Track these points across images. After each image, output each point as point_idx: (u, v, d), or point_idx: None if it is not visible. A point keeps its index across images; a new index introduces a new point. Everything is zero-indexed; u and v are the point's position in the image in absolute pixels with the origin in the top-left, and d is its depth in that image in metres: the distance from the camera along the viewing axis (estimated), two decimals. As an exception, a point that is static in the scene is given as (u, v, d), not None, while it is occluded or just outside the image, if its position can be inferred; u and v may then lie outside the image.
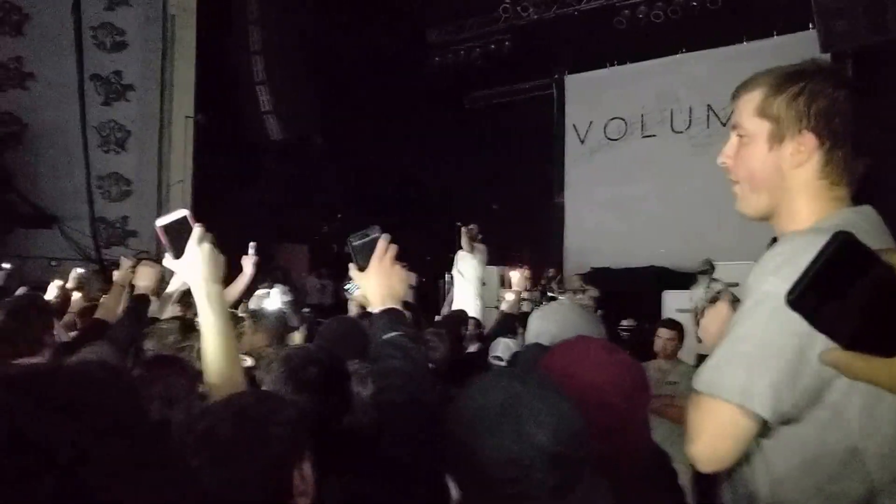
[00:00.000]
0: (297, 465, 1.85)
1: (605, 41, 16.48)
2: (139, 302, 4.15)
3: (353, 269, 2.28)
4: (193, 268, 2.25)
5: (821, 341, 1.57)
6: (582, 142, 17.33)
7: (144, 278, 4.23)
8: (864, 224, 1.76)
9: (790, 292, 0.96)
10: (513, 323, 5.95)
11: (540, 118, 17.86)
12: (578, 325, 2.70)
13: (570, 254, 16.85)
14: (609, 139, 16.87)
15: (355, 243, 2.27)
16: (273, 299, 6.11)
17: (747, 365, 1.64)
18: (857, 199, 1.86)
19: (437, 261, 15.36)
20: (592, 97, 17.11)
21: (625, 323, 12.30)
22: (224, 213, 14.86)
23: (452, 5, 17.62)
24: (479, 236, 11.07)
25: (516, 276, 6.71)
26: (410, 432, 2.06)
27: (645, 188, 15.69)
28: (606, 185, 16.41)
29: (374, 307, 2.24)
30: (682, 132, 15.75)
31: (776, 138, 1.80)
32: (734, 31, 14.89)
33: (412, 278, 13.55)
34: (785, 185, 1.82)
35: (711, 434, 1.70)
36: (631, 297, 13.22)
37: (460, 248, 11.05)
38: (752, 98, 1.84)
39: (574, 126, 17.46)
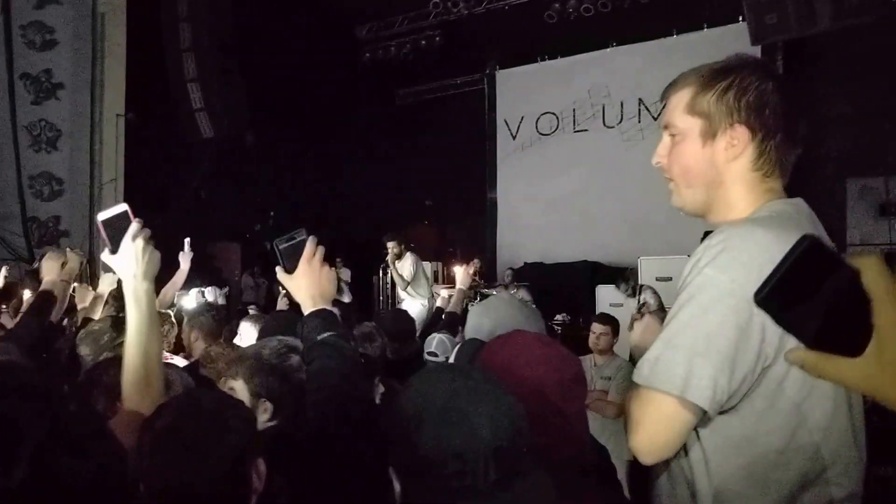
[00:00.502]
0: (253, 460, 1.89)
1: (536, 36, 16.48)
2: (43, 299, 4.04)
3: (280, 272, 2.29)
4: (126, 264, 2.24)
5: (756, 332, 1.60)
6: (513, 137, 17.33)
7: (49, 272, 4.13)
8: (797, 215, 1.81)
9: (758, 292, 0.98)
10: (451, 319, 5.92)
11: (471, 113, 17.85)
12: (516, 320, 2.72)
13: (503, 249, 16.87)
14: (541, 134, 16.88)
15: (282, 246, 2.29)
16: (190, 298, 6.06)
17: (686, 356, 1.65)
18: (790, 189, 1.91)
19: (371, 257, 15.30)
20: (523, 92, 17.11)
21: (558, 318, 12.33)
22: (156, 212, 14.70)
23: (383, 1, 17.54)
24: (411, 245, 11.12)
25: (461, 272, 6.67)
26: (349, 430, 2.09)
27: (577, 183, 15.72)
28: (539, 180, 16.42)
29: (305, 308, 2.26)
30: (613, 127, 15.82)
31: (708, 134, 1.84)
32: (665, 25, 14.99)
33: (346, 274, 13.46)
34: (719, 180, 1.85)
35: (652, 425, 1.70)
36: (564, 291, 13.26)
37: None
38: (682, 97, 1.89)
39: (505, 121, 17.46)
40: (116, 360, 2.65)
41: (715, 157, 1.84)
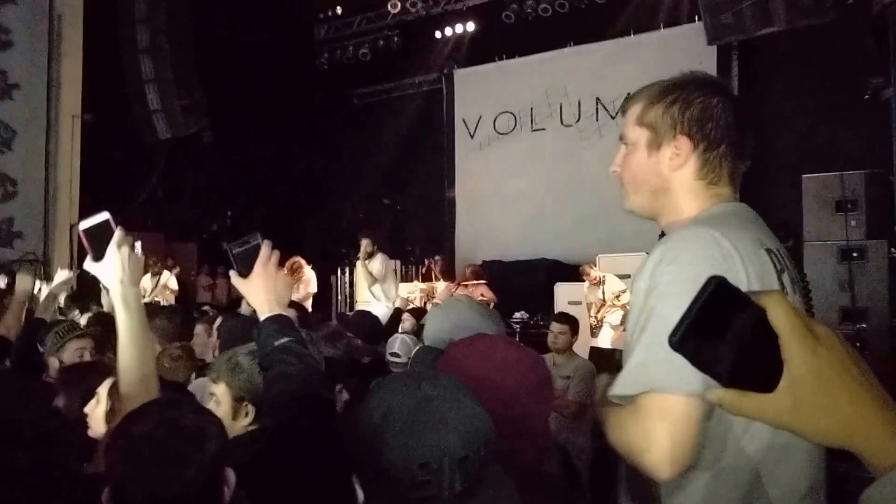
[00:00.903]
0: (223, 469, 1.88)
1: (494, 35, 16.54)
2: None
3: (234, 277, 2.28)
4: (113, 270, 2.27)
5: None
6: (472, 136, 17.34)
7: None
8: (736, 219, 1.88)
9: (672, 334, 1.00)
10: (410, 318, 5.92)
11: (430, 113, 17.92)
12: (477, 322, 2.69)
13: (462, 247, 16.87)
14: (499, 133, 16.91)
15: (236, 251, 2.27)
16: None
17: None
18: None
19: (331, 257, 15.27)
20: (481, 91, 17.13)
21: (517, 316, 12.37)
22: (113, 213, 14.56)
23: (341, 1, 17.53)
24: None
25: (442, 288, 6.72)
26: (310, 437, 2.07)
27: (536, 181, 15.78)
28: (497, 179, 16.45)
29: (261, 313, 2.26)
30: (571, 125, 15.87)
31: (654, 144, 1.96)
32: (622, 25, 15.07)
33: (313, 283, 13.37)
34: (666, 187, 1.96)
35: (669, 434, 1.62)
36: (523, 289, 13.30)
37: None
38: (635, 110, 2.01)
39: (464, 120, 17.46)
40: (95, 366, 2.67)
41: (660, 166, 1.95)
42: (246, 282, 2.26)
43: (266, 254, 2.26)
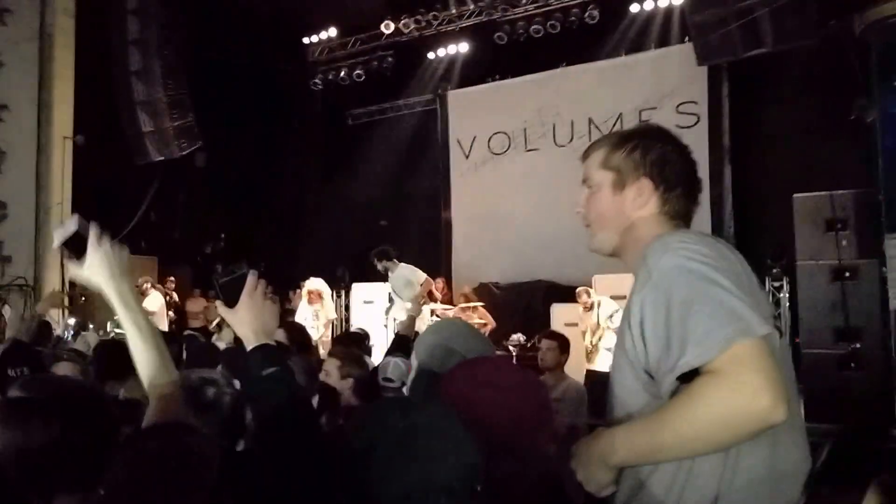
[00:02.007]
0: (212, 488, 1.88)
1: (487, 56, 16.62)
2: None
3: (221, 307, 2.27)
4: (100, 269, 2.25)
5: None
6: (466, 156, 17.35)
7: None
8: (708, 239, 1.93)
9: None
10: (402, 341, 5.89)
11: (424, 133, 17.91)
12: (470, 344, 2.68)
13: (459, 269, 16.84)
14: (493, 153, 16.92)
15: (222, 281, 2.27)
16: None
17: (721, 310, 1.72)
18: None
19: (326, 279, 15.26)
20: (475, 112, 17.14)
21: (514, 338, 12.35)
22: (105, 236, 14.57)
23: (335, 22, 17.58)
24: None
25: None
26: (296, 467, 2.05)
27: (530, 202, 15.76)
28: (492, 200, 16.45)
29: (248, 343, 2.23)
30: (564, 145, 15.87)
31: (619, 185, 2.14)
32: (613, 46, 15.16)
33: (331, 314, 13.38)
34: (630, 225, 2.13)
35: (768, 374, 1.63)
36: (519, 311, 13.28)
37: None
38: (598, 155, 2.21)
39: (458, 141, 17.46)
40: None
41: (624, 205, 2.13)
42: (232, 312, 2.25)
43: (252, 283, 2.25)
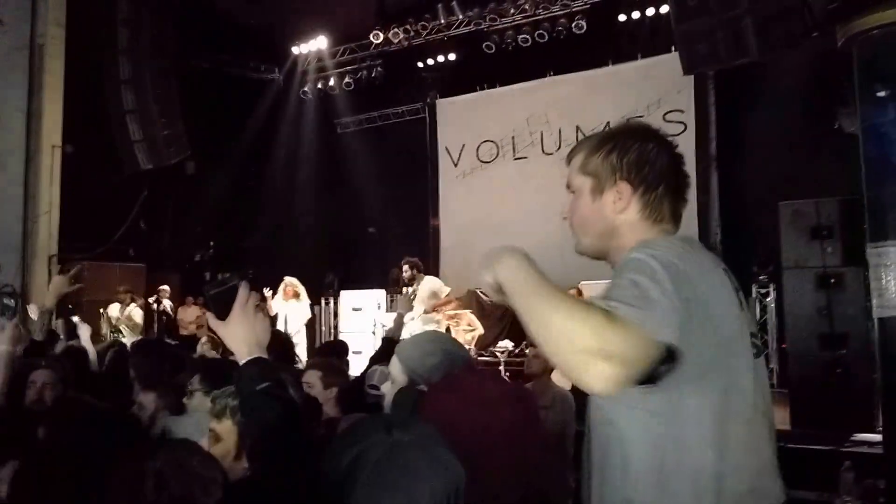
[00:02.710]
0: None
1: (475, 65, 16.70)
2: None
3: (212, 319, 2.21)
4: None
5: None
6: (455, 164, 17.43)
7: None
8: (688, 243, 1.96)
9: None
10: (388, 346, 5.88)
11: (413, 141, 17.94)
12: (450, 355, 2.68)
13: (447, 277, 16.80)
14: (482, 161, 17.00)
15: (212, 292, 2.21)
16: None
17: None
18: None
19: (314, 288, 15.27)
20: (464, 120, 17.23)
21: (501, 345, 12.39)
22: (94, 245, 14.59)
23: (324, 31, 17.64)
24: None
25: (403, 297, 6.67)
26: (290, 482, 2.04)
27: (518, 209, 15.82)
28: (481, 207, 16.51)
29: (240, 357, 2.18)
30: (552, 153, 15.94)
31: (597, 190, 2.11)
32: (600, 55, 15.28)
33: (306, 314, 13.43)
34: (612, 229, 2.09)
35: (625, 366, 1.61)
36: (507, 318, 13.31)
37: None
38: (578, 159, 2.18)
39: (447, 149, 17.54)
40: None
41: (604, 209, 2.08)
42: (223, 325, 2.19)
43: (244, 296, 2.19)
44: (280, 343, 5.89)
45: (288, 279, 13.06)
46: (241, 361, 2.18)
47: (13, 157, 12.58)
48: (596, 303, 1.66)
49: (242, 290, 2.20)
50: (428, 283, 11.04)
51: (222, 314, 2.18)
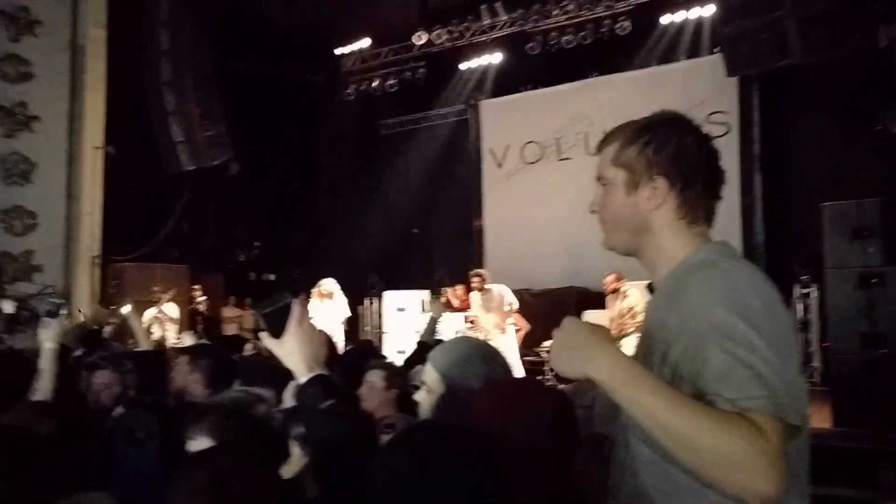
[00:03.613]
0: None
1: (519, 66, 16.80)
2: None
3: (266, 338, 2.17)
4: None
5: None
6: (499, 165, 17.46)
7: None
8: (756, 271, 1.83)
9: None
10: (423, 349, 5.89)
11: (457, 143, 18.05)
12: (486, 360, 2.68)
13: (491, 276, 16.95)
14: (526, 163, 17.04)
15: (265, 311, 2.16)
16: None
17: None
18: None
19: (358, 287, 15.39)
20: (508, 121, 17.25)
21: (546, 345, 12.42)
22: (137, 245, 14.81)
23: (367, 33, 17.75)
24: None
25: (435, 302, 6.69)
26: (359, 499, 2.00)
27: (563, 210, 15.80)
28: (525, 208, 16.55)
29: (300, 374, 2.15)
30: (596, 155, 15.97)
31: (631, 184, 1.98)
32: (644, 56, 15.32)
33: (345, 314, 13.59)
34: (646, 226, 1.98)
35: (783, 468, 1.54)
36: (551, 318, 13.34)
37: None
38: (610, 150, 2.04)
39: (491, 150, 17.58)
40: None
41: (638, 205, 1.97)
42: (279, 343, 2.14)
43: (299, 312, 2.15)
44: (330, 348, 5.92)
45: (324, 280, 13.18)
46: (302, 380, 2.15)
47: (56, 159, 12.68)
48: (720, 403, 1.59)
49: (296, 308, 2.16)
50: (500, 292, 11.24)
51: (277, 332, 2.15)
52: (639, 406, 1.61)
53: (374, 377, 4.29)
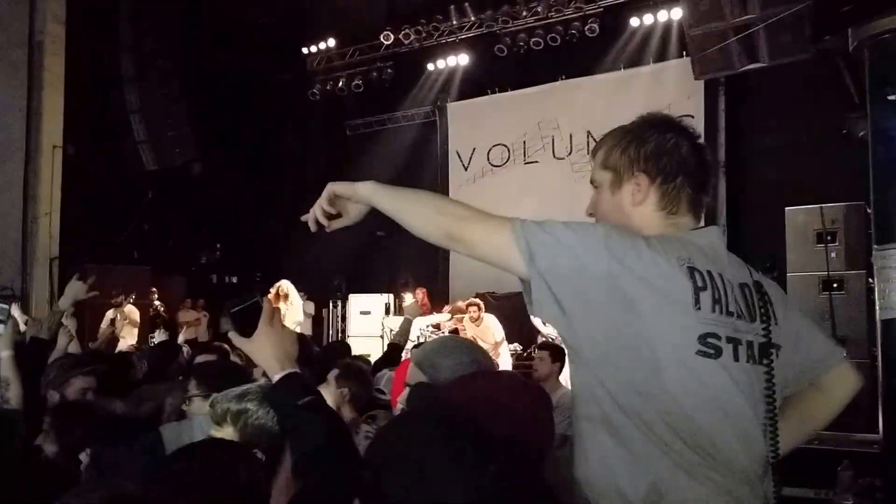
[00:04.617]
0: None
1: (487, 68, 16.74)
2: None
3: (235, 337, 2.19)
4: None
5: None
6: (465, 168, 17.42)
7: None
8: (692, 246, 1.95)
9: None
10: (394, 350, 5.86)
11: (423, 144, 17.98)
12: (472, 356, 2.68)
13: (456, 279, 16.87)
14: (492, 165, 16.99)
15: (234, 310, 2.18)
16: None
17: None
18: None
19: (323, 290, 15.29)
20: (474, 124, 17.21)
21: (510, 348, 12.37)
22: (96, 246, 14.58)
23: (334, 32, 17.65)
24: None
25: (410, 302, 6.68)
26: (345, 497, 1.93)
27: (529, 213, 14.75)
28: (491, 210, 16.31)
29: (272, 372, 2.17)
30: (563, 158, 15.96)
31: (616, 183, 2.10)
32: (612, 59, 15.30)
33: (310, 307, 13.45)
34: (631, 223, 2.05)
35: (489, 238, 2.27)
36: (516, 321, 13.29)
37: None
38: (600, 154, 2.17)
39: (457, 152, 17.53)
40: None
41: (622, 203, 2.08)
42: (249, 341, 2.17)
43: (269, 310, 2.18)
44: (304, 347, 5.87)
45: (281, 282, 13.02)
46: (274, 378, 2.16)
47: (13, 158, 12.34)
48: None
49: (266, 306, 2.19)
50: (493, 326, 11.24)
51: (247, 331, 2.16)
52: (396, 201, 2.22)
53: (331, 376, 4.33)
